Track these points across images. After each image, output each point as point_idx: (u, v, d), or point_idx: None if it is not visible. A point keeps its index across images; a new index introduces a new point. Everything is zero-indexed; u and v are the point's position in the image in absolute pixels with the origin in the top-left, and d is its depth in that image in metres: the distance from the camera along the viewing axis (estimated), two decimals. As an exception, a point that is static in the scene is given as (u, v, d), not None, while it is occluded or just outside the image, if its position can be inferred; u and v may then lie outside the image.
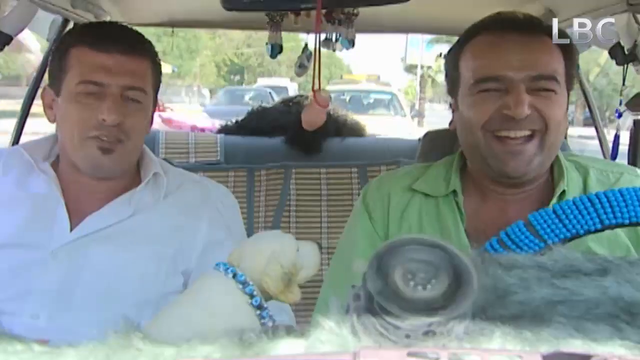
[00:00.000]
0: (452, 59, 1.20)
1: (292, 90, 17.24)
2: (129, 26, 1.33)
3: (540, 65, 1.11)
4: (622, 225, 0.77)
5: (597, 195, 0.77)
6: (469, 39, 1.18)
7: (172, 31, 2.63)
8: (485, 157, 1.14)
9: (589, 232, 0.77)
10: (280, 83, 19.66)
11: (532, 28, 1.14)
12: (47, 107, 1.26)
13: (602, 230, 0.77)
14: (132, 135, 1.23)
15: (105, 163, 1.22)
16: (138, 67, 1.22)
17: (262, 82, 20.64)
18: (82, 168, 1.24)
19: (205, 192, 1.33)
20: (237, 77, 35.08)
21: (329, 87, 13.48)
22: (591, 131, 2.31)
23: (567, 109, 1.19)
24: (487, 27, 1.16)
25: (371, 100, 12.17)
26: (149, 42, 1.28)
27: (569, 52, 1.16)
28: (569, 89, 1.17)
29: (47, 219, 1.21)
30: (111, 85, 1.19)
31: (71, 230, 1.22)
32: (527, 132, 1.10)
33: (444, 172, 1.23)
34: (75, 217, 1.23)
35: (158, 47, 1.33)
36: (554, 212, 0.77)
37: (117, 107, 1.19)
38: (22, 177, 1.25)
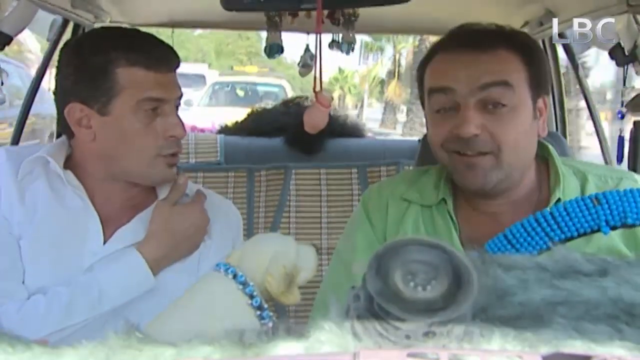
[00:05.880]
0: (419, 78, 1.22)
1: (212, 78, 14.57)
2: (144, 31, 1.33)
3: (488, 74, 1.10)
4: (571, 239, 0.78)
5: (542, 214, 0.78)
6: (429, 59, 1.19)
7: (172, 31, 2.63)
8: (450, 171, 1.16)
9: (542, 251, 0.77)
10: (195, 70, 16.62)
11: (485, 43, 1.13)
12: (77, 124, 1.21)
13: (548, 248, 0.77)
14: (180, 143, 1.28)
15: (170, 177, 1.26)
16: (176, 77, 1.26)
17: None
18: (142, 181, 1.26)
19: (216, 209, 1.33)
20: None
21: (220, 79, 12.83)
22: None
23: (541, 115, 1.16)
24: (444, 46, 1.17)
25: (262, 93, 11.53)
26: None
27: (532, 58, 1.14)
28: (537, 95, 1.14)
29: (81, 231, 1.22)
30: (169, 100, 1.22)
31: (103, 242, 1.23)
32: (480, 151, 1.10)
33: (436, 179, 1.23)
34: (104, 227, 1.24)
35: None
36: (505, 237, 0.78)
37: (177, 119, 1.23)
38: (52, 186, 1.23)
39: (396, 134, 19.22)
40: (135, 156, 1.21)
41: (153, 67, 1.19)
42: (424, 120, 1.25)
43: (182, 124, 1.26)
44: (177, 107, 1.26)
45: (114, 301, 1.16)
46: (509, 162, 1.10)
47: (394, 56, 24.47)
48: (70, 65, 1.22)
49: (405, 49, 23.60)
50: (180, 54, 1.31)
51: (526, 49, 1.14)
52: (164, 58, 1.22)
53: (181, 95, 1.27)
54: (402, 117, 22.85)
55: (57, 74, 1.27)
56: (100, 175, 1.25)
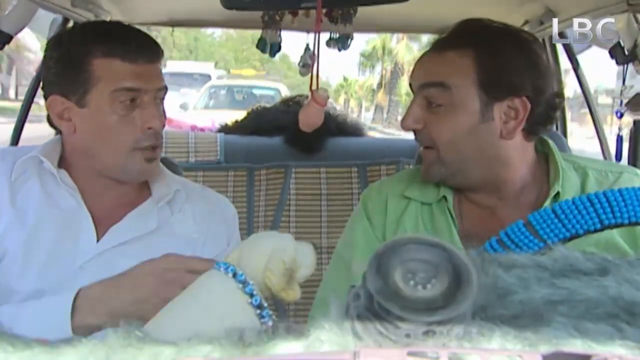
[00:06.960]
0: None
1: (215, 77, 14.35)
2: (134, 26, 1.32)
3: (428, 74, 1.16)
4: (621, 225, 0.77)
5: (596, 195, 0.77)
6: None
7: (172, 30, 2.63)
8: None
9: (588, 232, 0.76)
10: (199, 69, 15.84)
11: (442, 45, 1.17)
12: (58, 117, 1.22)
13: (601, 230, 0.76)
14: (162, 136, 1.26)
15: (149, 171, 1.25)
16: (159, 69, 1.25)
17: (173, 66, 14.80)
18: (120, 176, 1.24)
19: (211, 205, 1.34)
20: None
21: (216, 82, 12.42)
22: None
23: (515, 118, 1.12)
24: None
25: (258, 96, 11.37)
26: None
27: (494, 61, 1.12)
28: (494, 98, 1.12)
29: (74, 232, 1.21)
30: (148, 91, 1.20)
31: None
32: (425, 145, 1.19)
33: None
34: (97, 226, 1.23)
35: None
36: (553, 212, 0.76)
37: (156, 111, 1.21)
38: (45, 186, 1.23)
39: (380, 126, 26.81)
40: (112, 149, 1.21)
41: (129, 58, 1.18)
42: (398, 116, 1.32)
43: (164, 116, 1.24)
44: (161, 100, 1.25)
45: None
46: (446, 159, 1.15)
47: (382, 71, 32.45)
48: (52, 58, 1.22)
49: (389, 66, 31.36)
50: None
51: (489, 52, 1.12)
52: (141, 49, 1.20)
53: (164, 87, 1.25)
54: (386, 115, 31.37)
55: (41, 68, 1.27)
56: (88, 172, 1.24)
